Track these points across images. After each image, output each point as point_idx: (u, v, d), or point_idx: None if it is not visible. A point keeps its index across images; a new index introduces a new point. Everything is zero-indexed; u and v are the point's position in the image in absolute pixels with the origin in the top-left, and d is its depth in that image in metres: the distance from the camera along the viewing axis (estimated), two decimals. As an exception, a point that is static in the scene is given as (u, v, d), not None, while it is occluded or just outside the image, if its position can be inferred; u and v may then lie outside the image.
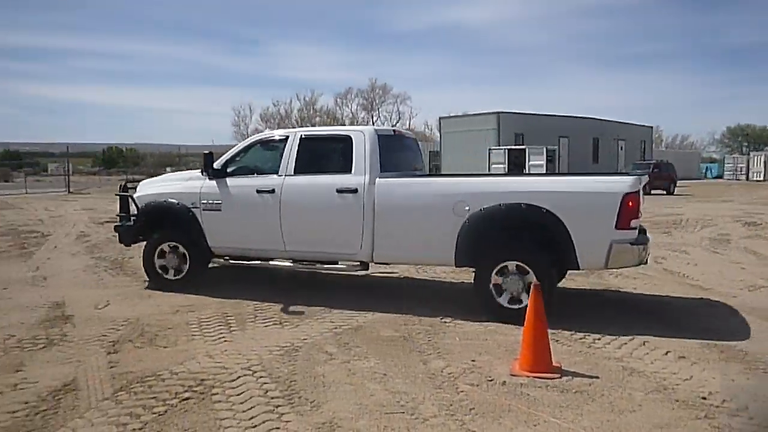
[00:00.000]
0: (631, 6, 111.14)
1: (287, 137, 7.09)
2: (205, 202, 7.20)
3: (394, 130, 7.53)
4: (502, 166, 28.10)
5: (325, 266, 6.99)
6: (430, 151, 38.86)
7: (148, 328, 5.83)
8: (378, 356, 4.96)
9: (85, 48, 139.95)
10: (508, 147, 29.35)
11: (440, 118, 37.63)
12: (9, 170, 48.76)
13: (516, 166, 27.78)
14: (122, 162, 60.99)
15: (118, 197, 8.02)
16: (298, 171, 6.88)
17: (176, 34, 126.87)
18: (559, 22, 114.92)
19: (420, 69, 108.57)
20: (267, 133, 7.41)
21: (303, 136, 7.03)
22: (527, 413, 3.87)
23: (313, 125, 56.77)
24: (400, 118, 62.20)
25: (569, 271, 6.95)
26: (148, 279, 7.64)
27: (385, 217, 6.42)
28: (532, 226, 5.91)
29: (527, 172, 27.04)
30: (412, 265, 8.50)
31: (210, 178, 7.23)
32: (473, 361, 4.85)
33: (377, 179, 6.50)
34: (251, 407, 3.95)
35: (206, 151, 7.42)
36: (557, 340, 5.27)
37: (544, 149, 27.48)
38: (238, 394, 4.17)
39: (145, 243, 7.63)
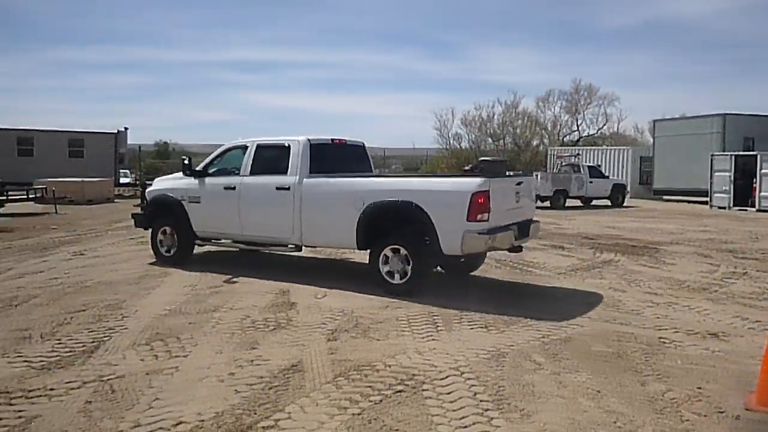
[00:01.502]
0: None
1: (248, 145, 8.81)
2: (190, 196, 9.19)
3: (332, 139, 8.84)
4: (727, 174, 25.11)
5: (269, 247, 8.83)
6: (641, 157, 36.02)
7: (361, 320, 6.21)
8: (590, 371, 4.75)
9: (302, 59, 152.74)
10: (736, 153, 26.15)
11: (654, 121, 34.58)
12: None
13: (744, 173, 24.68)
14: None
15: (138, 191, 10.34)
16: (253, 172, 8.62)
17: (381, 43, 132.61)
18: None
19: (630, 68, 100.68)
20: (236, 142, 9.20)
21: (258, 145, 8.73)
22: (768, 454, 3.44)
23: (515, 129, 55.80)
24: (607, 120, 58.22)
25: None
26: (155, 257, 9.62)
27: (308, 209, 8.01)
28: (407, 217, 7.20)
29: (757, 181, 23.99)
30: (331, 248, 10.16)
31: (194, 178, 9.16)
32: (699, 388, 4.43)
33: (305, 179, 8.04)
34: (461, 407, 4.01)
35: (183, 158, 9.67)
36: (804, 376, 4.60)
37: (780, 156, 24.07)
38: (447, 393, 4.26)
39: (151, 228, 9.75)
